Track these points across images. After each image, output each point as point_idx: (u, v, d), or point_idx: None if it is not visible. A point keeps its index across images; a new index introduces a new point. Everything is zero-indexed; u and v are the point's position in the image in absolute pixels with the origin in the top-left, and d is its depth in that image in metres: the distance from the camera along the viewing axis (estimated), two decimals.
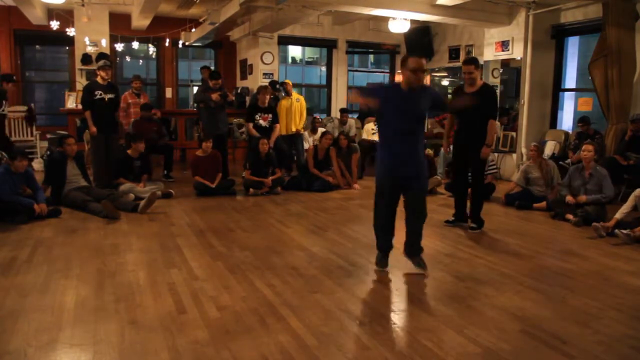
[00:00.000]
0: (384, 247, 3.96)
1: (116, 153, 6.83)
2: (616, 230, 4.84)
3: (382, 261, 3.94)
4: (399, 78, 3.86)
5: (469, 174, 5.28)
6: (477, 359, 2.56)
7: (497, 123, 8.57)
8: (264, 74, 10.48)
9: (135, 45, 11.13)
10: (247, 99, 10.25)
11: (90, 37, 10.09)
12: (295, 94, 8.90)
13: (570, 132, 8.30)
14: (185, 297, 3.25)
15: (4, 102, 7.11)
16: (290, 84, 8.87)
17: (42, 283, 3.48)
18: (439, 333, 2.82)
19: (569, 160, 6.96)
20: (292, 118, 8.66)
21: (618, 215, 5.06)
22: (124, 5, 9.85)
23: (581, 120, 7.42)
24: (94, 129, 6.62)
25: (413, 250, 3.91)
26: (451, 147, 5.48)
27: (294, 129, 8.74)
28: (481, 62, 8.96)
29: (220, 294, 3.33)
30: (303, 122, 8.93)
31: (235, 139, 9.82)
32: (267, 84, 8.88)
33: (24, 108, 9.46)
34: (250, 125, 7.56)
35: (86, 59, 10.11)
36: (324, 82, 12.34)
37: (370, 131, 8.77)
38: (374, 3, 7.41)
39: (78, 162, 6.10)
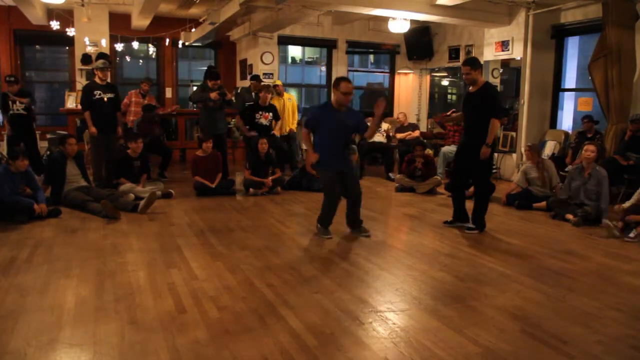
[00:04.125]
0: (330, 222, 4.93)
1: (116, 153, 6.83)
2: (625, 239, 4.87)
3: (329, 231, 4.87)
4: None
5: (469, 174, 5.26)
6: (477, 359, 2.56)
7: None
8: (264, 73, 10.47)
9: (135, 45, 11.12)
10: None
11: (90, 37, 10.09)
12: (286, 94, 9.05)
13: (570, 132, 8.30)
14: (185, 297, 3.25)
15: (10, 103, 7.17)
16: (281, 84, 9.02)
17: (42, 283, 3.48)
18: (439, 333, 2.82)
19: (569, 168, 6.92)
20: (284, 118, 8.72)
21: (626, 204, 5.10)
22: (123, 5, 9.85)
23: (586, 117, 7.40)
24: (93, 129, 6.62)
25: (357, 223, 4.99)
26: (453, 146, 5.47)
27: (287, 129, 8.84)
28: (481, 62, 8.96)
29: (220, 294, 3.33)
30: (296, 121, 9.07)
31: (235, 139, 9.82)
32: (268, 83, 8.88)
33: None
34: (239, 117, 7.60)
35: (86, 59, 10.11)
36: (324, 82, 12.34)
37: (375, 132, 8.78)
38: (374, 3, 7.40)
39: (78, 162, 6.09)
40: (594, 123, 7.35)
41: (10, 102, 7.21)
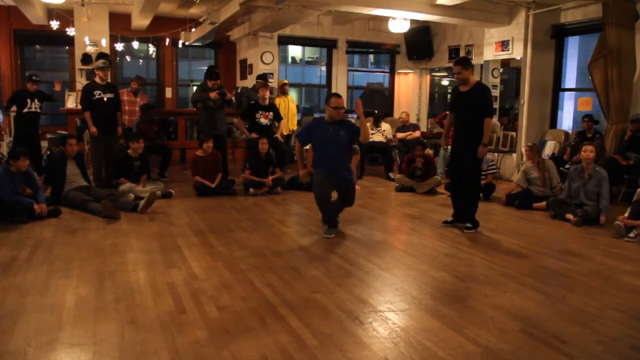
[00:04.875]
0: (335, 222, 5.03)
1: (116, 153, 6.83)
2: (625, 239, 4.89)
3: (332, 231, 4.91)
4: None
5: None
6: (477, 359, 2.56)
7: (497, 123, 8.58)
8: (264, 73, 10.47)
9: (135, 45, 11.12)
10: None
11: (90, 37, 10.10)
12: (290, 96, 9.09)
13: (570, 132, 8.30)
14: (185, 297, 3.25)
15: (27, 100, 7.19)
16: (287, 83, 9.05)
17: (42, 283, 3.48)
18: (439, 333, 2.82)
19: (568, 166, 6.92)
20: (288, 118, 8.75)
21: (627, 214, 5.09)
22: (124, 5, 9.85)
23: (586, 116, 7.40)
24: (94, 129, 6.62)
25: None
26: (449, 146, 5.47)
27: (292, 129, 8.88)
28: (481, 62, 8.97)
29: (220, 294, 3.33)
30: (295, 123, 9.24)
31: (235, 139, 9.82)
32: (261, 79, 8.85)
33: None
34: (240, 120, 7.59)
35: (86, 58, 10.11)
36: (324, 82, 12.34)
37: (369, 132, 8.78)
38: (374, 3, 7.40)
39: (78, 162, 6.09)
40: (594, 123, 7.35)
41: (28, 100, 7.24)
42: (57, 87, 7.97)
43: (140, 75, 9.19)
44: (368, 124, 8.86)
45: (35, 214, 5.18)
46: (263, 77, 8.92)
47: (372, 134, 8.72)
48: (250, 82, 10.90)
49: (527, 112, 8.36)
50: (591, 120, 7.33)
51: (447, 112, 8.46)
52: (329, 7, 8.04)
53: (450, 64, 10.43)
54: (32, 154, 7.45)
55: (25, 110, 7.27)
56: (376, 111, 9.48)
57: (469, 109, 5.03)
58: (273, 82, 10.40)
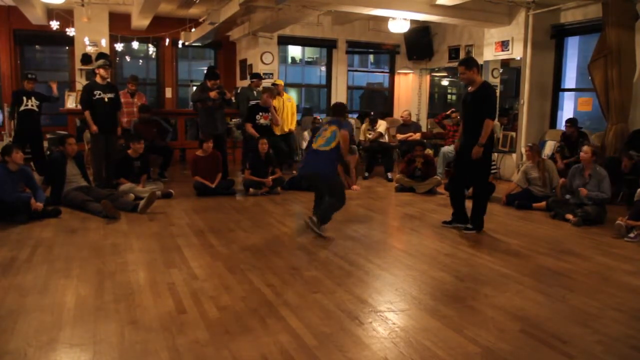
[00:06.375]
0: None
1: (116, 153, 6.82)
2: (626, 239, 4.89)
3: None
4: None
5: (468, 175, 5.25)
6: (477, 359, 2.56)
7: (497, 123, 8.57)
8: (264, 74, 10.47)
9: (135, 45, 11.13)
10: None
11: (90, 37, 10.10)
12: (286, 95, 9.07)
13: None
14: (185, 297, 3.25)
15: (24, 98, 7.25)
16: (282, 84, 9.02)
17: (42, 283, 3.48)
18: (439, 333, 2.82)
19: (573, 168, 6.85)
20: (283, 118, 8.75)
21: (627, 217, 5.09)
22: (124, 5, 9.85)
23: (569, 120, 7.34)
24: (94, 127, 6.61)
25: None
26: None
27: (286, 129, 8.86)
28: (481, 62, 8.96)
29: (220, 294, 3.33)
30: (295, 122, 9.10)
31: (235, 139, 9.82)
32: (270, 87, 8.88)
33: None
34: (249, 125, 7.58)
35: (86, 59, 10.11)
36: (323, 82, 12.34)
37: (367, 132, 8.79)
38: (374, 3, 7.40)
39: (78, 162, 6.09)
40: (576, 128, 7.26)
41: (24, 98, 7.26)
42: (54, 90, 8.01)
43: (134, 75, 9.17)
44: (364, 125, 8.96)
45: (32, 209, 5.17)
46: (257, 76, 8.92)
47: (370, 134, 8.72)
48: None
49: (527, 112, 8.36)
50: (573, 125, 7.25)
51: (446, 113, 8.49)
52: (329, 7, 8.04)
53: (450, 64, 10.49)
54: (35, 154, 7.48)
55: (22, 108, 7.28)
56: (372, 112, 9.40)
57: (472, 110, 5.02)
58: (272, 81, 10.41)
